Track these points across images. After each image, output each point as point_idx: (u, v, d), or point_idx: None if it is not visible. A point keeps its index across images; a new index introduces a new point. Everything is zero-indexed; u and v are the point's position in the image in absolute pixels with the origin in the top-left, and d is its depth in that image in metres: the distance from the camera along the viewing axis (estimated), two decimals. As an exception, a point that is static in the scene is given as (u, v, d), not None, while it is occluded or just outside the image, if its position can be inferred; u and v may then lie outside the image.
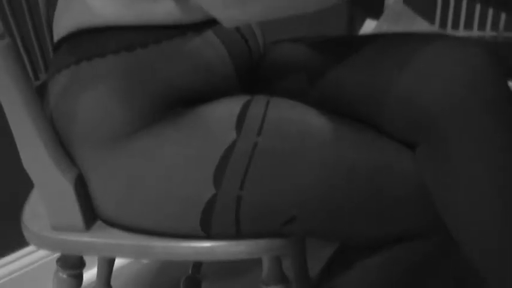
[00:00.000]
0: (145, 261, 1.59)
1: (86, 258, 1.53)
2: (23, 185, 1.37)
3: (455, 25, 1.81)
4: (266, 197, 0.76)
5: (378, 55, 0.82)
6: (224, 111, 0.80)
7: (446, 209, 0.75)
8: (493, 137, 0.72)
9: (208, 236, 0.80)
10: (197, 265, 1.39)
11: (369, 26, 1.83)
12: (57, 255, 1.48)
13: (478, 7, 1.70)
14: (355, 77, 0.83)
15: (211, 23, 0.85)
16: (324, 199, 0.76)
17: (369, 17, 1.90)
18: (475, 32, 1.72)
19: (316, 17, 1.55)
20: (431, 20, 1.68)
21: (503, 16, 1.63)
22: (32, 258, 1.44)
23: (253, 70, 0.93)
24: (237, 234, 0.79)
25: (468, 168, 0.73)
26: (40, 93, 0.98)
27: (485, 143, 0.72)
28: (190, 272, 1.38)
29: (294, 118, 0.79)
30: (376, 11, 1.76)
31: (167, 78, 0.81)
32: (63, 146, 0.83)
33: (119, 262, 1.59)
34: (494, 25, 1.74)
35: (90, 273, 1.54)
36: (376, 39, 0.86)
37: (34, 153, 0.81)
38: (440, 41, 0.77)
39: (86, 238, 0.84)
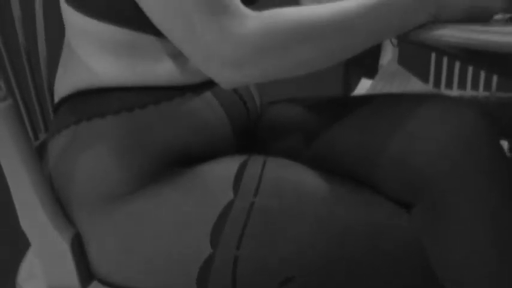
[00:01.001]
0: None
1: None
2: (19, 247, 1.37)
3: (449, 85, 1.84)
4: (263, 257, 0.77)
5: (372, 116, 0.84)
6: (221, 171, 0.81)
7: (443, 268, 0.76)
8: (487, 197, 0.73)
9: None
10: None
11: (364, 85, 1.85)
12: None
13: (470, 68, 1.73)
14: (349, 138, 0.85)
15: (210, 84, 0.86)
16: (321, 258, 0.76)
17: (364, 77, 1.93)
18: (468, 92, 1.75)
19: (312, 76, 1.57)
20: (425, 80, 1.71)
21: (495, 77, 1.66)
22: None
23: (251, 130, 0.94)
24: None
25: (464, 229, 0.73)
26: (39, 153, 0.99)
27: (480, 203, 0.73)
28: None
29: (290, 178, 0.80)
30: (371, 71, 1.79)
31: (166, 139, 0.82)
32: (61, 206, 0.84)
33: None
34: (487, 85, 1.78)
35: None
36: (370, 100, 0.88)
37: (32, 212, 0.81)
38: (433, 102, 0.79)
39: (81, 298, 0.83)
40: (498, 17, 0.77)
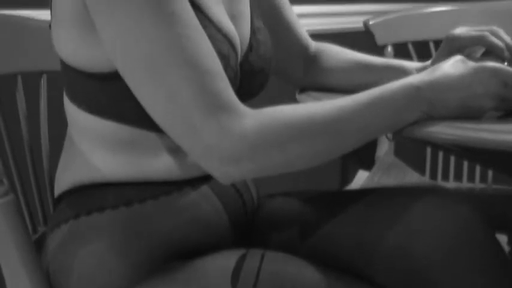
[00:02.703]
0: None
1: None
2: None
3: (445, 176, 1.86)
4: None
5: (369, 210, 0.85)
6: (219, 265, 0.80)
7: None
8: None
9: None
10: None
11: (362, 177, 1.87)
12: None
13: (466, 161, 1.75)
14: (346, 231, 0.85)
15: (207, 178, 0.88)
16: None
17: (361, 168, 1.95)
18: (464, 184, 1.77)
19: (309, 168, 1.59)
20: (421, 172, 1.73)
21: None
22: None
23: (248, 223, 0.95)
24: None
25: None
26: (38, 246, 0.99)
27: None
28: None
29: (289, 272, 0.79)
30: (368, 163, 1.81)
31: (164, 233, 0.82)
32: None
33: None
34: (483, 177, 1.79)
35: None
36: (367, 194, 0.89)
37: (28, 307, 0.80)
38: (428, 197, 0.80)
39: None
40: (489, 114, 0.80)
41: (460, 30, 0.96)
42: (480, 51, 0.99)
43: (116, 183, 0.83)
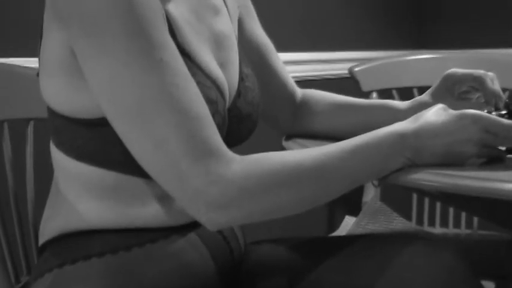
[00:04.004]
0: None
1: None
2: None
3: (432, 222, 1.86)
4: None
5: (356, 257, 0.85)
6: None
7: None
8: None
9: None
10: None
11: (348, 223, 1.87)
12: None
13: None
14: (334, 279, 0.85)
15: (194, 225, 0.87)
16: None
17: (347, 214, 1.95)
18: (451, 230, 1.77)
19: (296, 214, 1.59)
20: (408, 217, 1.73)
21: (476, 214, 1.68)
22: None
23: (235, 270, 0.94)
24: None
25: None
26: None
27: None
28: None
29: None
30: (355, 208, 1.81)
31: (150, 281, 0.81)
32: None
33: None
34: (469, 223, 1.80)
35: None
36: (353, 241, 0.89)
37: None
38: (415, 244, 0.81)
39: None
40: (471, 161, 0.81)
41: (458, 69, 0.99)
42: (473, 95, 1.01)
43: (102, 230, 0.83)
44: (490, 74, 0.99)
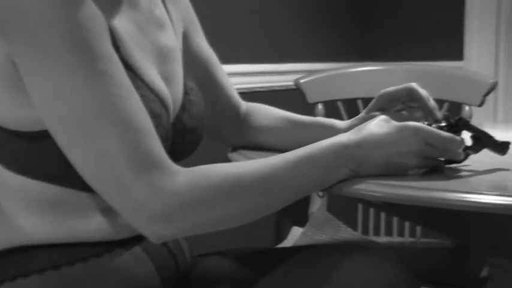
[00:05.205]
0: None
1: None
2: None
3: (377, 231, 1.89)
4: None
5: (301, 268, 0.86)
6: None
7: None
8: None
9: None
10: None
11: (296, 234, 1.88)
12: None
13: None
14: (280, 289, 0.85)
15: (139, 238, 0.87)
16: None
17: (295, 225, 1.96)
18: (395, 238, 1.80)
19: (243, 224, 1.59)
20: (354, 227, 1.75)
21: (419, 223, 1.72)
22: None
23: (181, 283, 0.94)
24: None
25: None
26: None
27: None
28: None
29: None
30: (302, 219, 1.83)
31: (93, 296, 0.80)
32: None
33: None
34: (412, 232, 1.84)
35: None
36: (299, 252, 0.90)
37: None
38: (358, 253, 0.82)
39: None
40: (413, 171, 0.83)
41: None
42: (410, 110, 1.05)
43: (44, 245, 0.81)
44: (413, 84, 1.02)
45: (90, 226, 0.82)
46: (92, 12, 0.74)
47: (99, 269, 0.81)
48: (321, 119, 1.08)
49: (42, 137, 0.77)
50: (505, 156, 0.89)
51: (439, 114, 0.98)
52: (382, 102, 1.02)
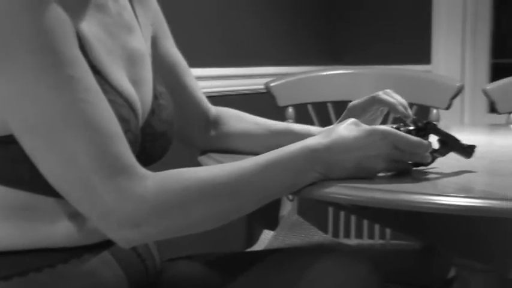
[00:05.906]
0: None
1: None
2: None
3: (347, 234, 1.91)
4: None
5: (272, 271, 0.86)
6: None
7: None
8: None
9: None
10: None
11: (267, 237, 1.88)
12: None
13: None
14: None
15: (108, 243, 0.86)
16: None
17: (265, 228, 1.96)
18: (365, 240, 1.82)
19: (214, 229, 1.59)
20: (324, 230, 1.76)
21: (389, 225, 1.74)
22: None
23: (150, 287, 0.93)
24: None
25: None
26: None
27: None
28: None
29: None
30: (272, 222, 1.83)
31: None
32: None
33: None
34: (382, 234, 1.86)
35: None
36: (269, 255, 0.90)
37: None
38: (329, 256, 0.83)
39: None
40: (381, 175, 0.84)
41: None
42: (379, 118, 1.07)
43: (11, 252, 0.80)
44: (385, 90, 1.05)
45: (58, 232, 0.81)
46: (59, 16, 0.73)
47: (67, 275, 0.80)
48: (296, 126, 1.08)
49: (7, 142, 0.76)
50: (471, 159, 0.90)
51: (411, 113, 1.01)
52: (352, 115, 1.04)
